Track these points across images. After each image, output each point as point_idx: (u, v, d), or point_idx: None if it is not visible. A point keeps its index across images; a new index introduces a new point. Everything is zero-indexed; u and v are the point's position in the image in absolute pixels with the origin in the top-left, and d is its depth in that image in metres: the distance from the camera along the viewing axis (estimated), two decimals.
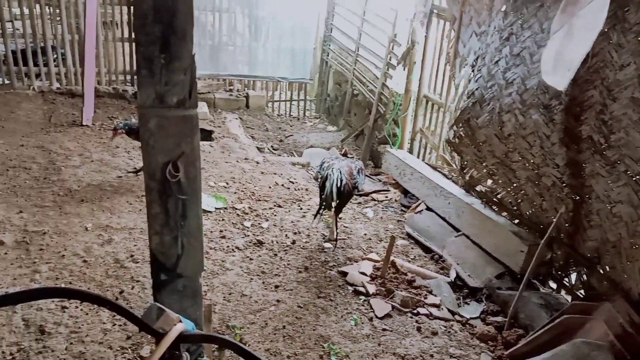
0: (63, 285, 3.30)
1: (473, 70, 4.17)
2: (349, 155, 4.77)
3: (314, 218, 4.32)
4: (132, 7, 6.64)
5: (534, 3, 3.48)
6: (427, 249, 4.43)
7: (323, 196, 4.01)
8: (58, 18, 6.53)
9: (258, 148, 6.25)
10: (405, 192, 5.31)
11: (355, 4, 6.66)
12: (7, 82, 6.52)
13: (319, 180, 4.20)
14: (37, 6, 6.36)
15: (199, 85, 6.77)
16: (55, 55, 6.53)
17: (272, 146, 6.62)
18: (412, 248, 4.44)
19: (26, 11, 6.39)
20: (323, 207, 4.06)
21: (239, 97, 7.46)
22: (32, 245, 3.75)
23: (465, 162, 4.46)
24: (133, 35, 6.82)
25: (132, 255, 3.76)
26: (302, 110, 8.07)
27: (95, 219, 4.17)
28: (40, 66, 6.51)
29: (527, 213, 4.01)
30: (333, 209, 4.18)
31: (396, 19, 5.73)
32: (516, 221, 4.12)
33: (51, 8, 6.56)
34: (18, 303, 1.87)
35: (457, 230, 4.49)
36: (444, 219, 4.65)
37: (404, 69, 5.58)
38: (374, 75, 6.31)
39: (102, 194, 4.54)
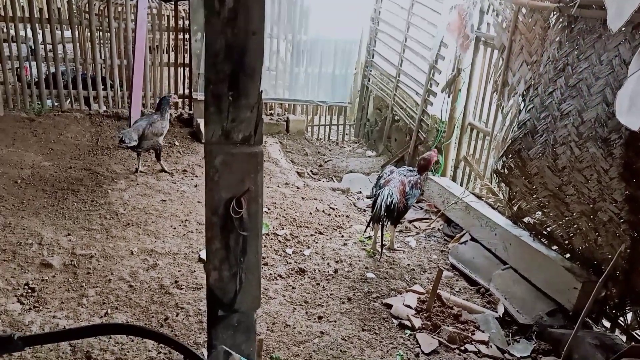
0: (124, 322, 3.31)
1: (524, 100, 4.09)
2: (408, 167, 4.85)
3: (365, 229, 4.71)
4: (178, 33, 6.84)
5: (591, 34, 3.40)
6: (472, 282, 4.31)
7: (372, 215, 4.35)
8: (107, 43, 6.72)
9: (298, 173, 6.25)
10: (448, 221, 5.21)
11: (397, 30, 6.66)
12: (56, 104, 6.71)
13: (373, 196, 4.55)
14: (88, 31, 6.56)
15: None
16: (104, 87, 6.70)
17: (311, 171, 6.62)
18: (457, 280, 4.33)
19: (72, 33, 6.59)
20: (372, 223, 4.44)
21: (279, 122, 7.51)
22: (80, 268, 3.80)
23: (514, 193, 4.35)
24: (177, 60, 6.98)
25: (176, 281, 3.76)
26: (342, 135, 8.07)
27: (141, 243, 4.20)
28: (89, 89, 6.68)
29: (580, 248, 3.86)
30: (387, 225, 4.52)
31: (439, 46, 5.69)
32: (567, 256, 3.98)
33: (101, 32, 6.76)
34: (80, 338, 1.87)
35: (504, 262, 4.36)
36: (489, 250, 4.53)
37: (448, 96, 5.53)
38: (414, 102, 6.27)
39: (147, 218, 4.58)
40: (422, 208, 5.64)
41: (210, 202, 1.87)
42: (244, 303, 2.01)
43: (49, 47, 6.52)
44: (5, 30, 6.82)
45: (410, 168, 4.86)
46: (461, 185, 5.56)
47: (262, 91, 1.82)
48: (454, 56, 5.35)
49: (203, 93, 6.46)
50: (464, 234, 4.88)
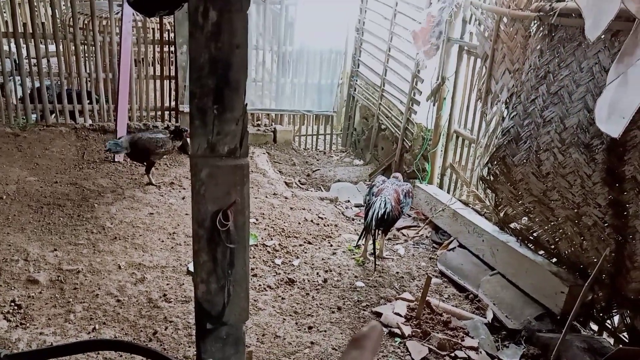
0: (112, 337, 3.28)
1: (507, 108, 4.15)
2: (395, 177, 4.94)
3: (359, 239, 4.65)
4: (163, 46, 6.84)
5: (571, 42, 3.46)
6: (461, 288, 4.34)
7: (365, 224, 4.41)
8: (92, 56, 6.70)
9: (286, 183, 6.26)
10: (436, 229, 5.24)
11: (381, 40, 6.72)
12: (41, 119, 6.67)
13: (365, 205, 4.56)
14: (73, 45, 6.54)
15: None
16: (89, 100, 6.67)
17: (299, 181, 6.63)
18: (446, 287, 4.35)
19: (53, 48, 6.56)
20: (364, 234, 4.48)
21: (267, 132, 7.53)
22: (67, 284, 3.76)
23: (500, 200, 4.39)
24: (163, 72, 6.97)
25: (164, 295, 3.74)
26: (329, 145, 8.09)
27: (129, 257, 4.18)
28: (74, 103, 6.65)
29: (566, 252, 3.91)
30: (379, 234, 4.56)
31: (418, 55, 5.75)
32: (554, 260, 4.02)
33: (86, 46, 6.74)
34: (68, 355, 1.86)
35: (492, 268, 4.39)
36: (477, 256, 4.57)
37: (433, 105, 5.58)
38: (399, 111, 6.32)
39: (134, 232, 4.56)
40: (410, 216, 5.67)
41: (197, 215, 1.87)
42: (233, 315, 2.01)
43: (34, 61, 6.48)
44: None
45: (397, 176, 4.93)
46: (448, 192, 5.61)
47: (246, 104, 1.84)
48: (439, 65, 5.41)
49: (189, 105, 6.46)
50: (452, 241, 4.92)
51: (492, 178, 4.35)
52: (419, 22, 5.35)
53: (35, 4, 6.55)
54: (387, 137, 6.81)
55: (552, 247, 4.02)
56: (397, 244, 5.03)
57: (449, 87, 5.43)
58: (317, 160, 7.64)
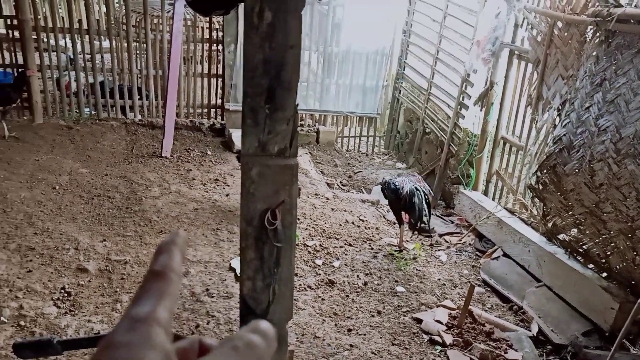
0: None
1: (559, 115, 4.03)
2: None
3: (412, 234, 4.82)
4: (212, 44, 6.96)
5: (629, 49, 3.33)
6: (505, 299, 4.23)
7: (417, 213, 4.50)
8: (143, 53, 6.88)
9: (328, 184, 6.27)
10: (480, 236, 5.14)
11: (429, 43, 6.64)
12: (94, 112, 6.90)
13: (403, 197, 4.54)
14: (125, 42, 6.74)
15: None
16: (139, 97, 6.85)
17: (341, 182, 6.62)
18: (489, 296, 4.26)
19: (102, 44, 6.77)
20: (420, 222, 4.55)
21: (310, 132, 7.55)
22: (114, 274, 3.87)
23: (549, 210, 4.27)
24: (210, 70, 7.09)
25: (207, 289, 3.80)
26: (371, 147, 8.06)
27: None
28: (125, 99, 6.84)
29: (617, 267, 3.77)
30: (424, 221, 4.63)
31: (472, 62, 5.65)
32: (604, 275, 3.88)
33: (138, 43, 6.92)
34: None
35: (538, 280, 4.27)
36: (523, 267, 4.45)
37: (481, 110, 5.47)
38: (446, 115, 6.23)
39: (179, 226, 4.65)
40: (452, 222, 5.58)
41: (246, 213, 1.89)
42: (277, 314, 2.01)
43: (87, 57, 6.71)
44: (45, 40, 7.05)
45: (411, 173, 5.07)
46: (493, 199, 5.49)
47: (298, 104, 1.84)
48: (488, 69, 5.30)
49: (235, 104, 6.56)
50: (496, 250, 4.81)
51: (541, 187, 4.24)
52: (471, 26, 5.26)
53: (90, 1, 6.77)
54: (432, 141, 6.72)
55: (603, 261, 3.87)
56: (439, 250, 4.96)
57: (498, 92, 5.31)
58: (359, 162, 7.62)
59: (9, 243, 4.05)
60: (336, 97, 7.66)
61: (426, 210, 4.55)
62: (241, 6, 1.74)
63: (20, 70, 6.08)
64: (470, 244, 5.10)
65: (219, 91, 7.27)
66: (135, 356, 0.37)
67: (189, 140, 6.77)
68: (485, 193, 5.61)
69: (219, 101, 7.28)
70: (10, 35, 6.38)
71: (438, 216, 5.75)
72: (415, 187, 4.56)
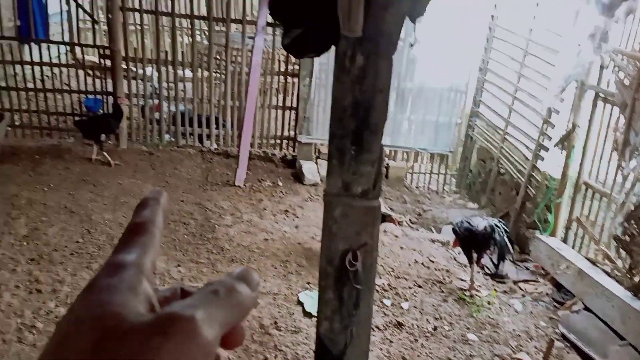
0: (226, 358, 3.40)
1: None
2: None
3: (497, 269, 4.80)
4: (287, 77, 7.15)
5: None
6: (585, 355, 3.96)
7: (499, 250, 4.51)
8: (222, 84, 7.16)
9: (397, 221, 6.18)
10: (558, 286, 4.87)
11: (506, 82, 6.51)
12: (173, 139, 7.21)
13: (480, 233, 4.47)
14: (206, 73, 7.05)
15: None
16: (216, 126, 7.11)
17: (410, 219, 6.52)
18: (568, 352, 4.00)
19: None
20: (503, 260, 4.57)
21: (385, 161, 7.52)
22: None
23: (636, 263, 4.00)
24: (284, 103, 7.27)
25: (275, 322, 3.81)
26: (442, 185, 7.91)
27: None
28: (203, 128, 7.12)
29: None
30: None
31: (550, 99, 5.47)
32: None
33: (218, 74, 7.22)
34: None
35: (622, 338, 3.98)
36: (605, 323, 4.16)
37: (561, 152, 5.26)
38: (523, 156, 6.03)
39: (250, 255, 4.72)
40: (527, 269, 5.33)
41: (327, 252, 1.89)
42: (353, 357, 1.98)
43: (171, 85, 7.06)
44: (134, 69, 7.49)
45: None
46: (573, 247, 5.21)
47: (383, 146, 1.84)
48: (570, 111, 5.12)
49: (307, 136, 6.63)
50: (575, 302, 4.54)
51: (627, 238, 3.98)
52: (553, 65, 5.12)
53: (176, 34, 7.15)
54: (507, 182, 6.52)
55: None
56: (513, 297, 4.74)
57: (581, 135, 5.10)
58: (429, 199, 7.49)
59: (92, 263, 4.25)
60: (408, 132, 7.62)
61: (510, 246, 4.50)
62: (333, 49, 1.77)
63: (115, 100, 6.46)
64: (547, 294, 4.84)
65: (292, 123, 7.41)
66: (117, 300, 0.36)
67: (261, 170, 6.91)
68: (565, 240, 5.34)
69: (291, 133, 7.42)
70: (102, 65, 6.83)
71: (512, 261, 5.52)
72: (495, 224, 4.49)
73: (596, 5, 4.47)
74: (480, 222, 4.55)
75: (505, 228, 4.57)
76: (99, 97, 7.01)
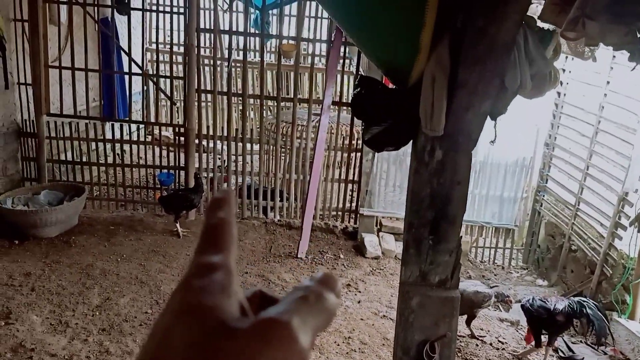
0: None
1: None
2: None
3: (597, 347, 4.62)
4: (350, 152, 7.32)
5: None
6: None
7: (600, 330, 4.27)
8: (287, 158, 7.40)
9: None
10: None
11: (577, 158, 6.38)
12: (238, 211, 7.43)
13: (561, 312, 4.29)
14: (273, 148, 7.32)
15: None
16: (280, 198, 7.30)
17: None
18: None
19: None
20: (604, 336, 4.35)
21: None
22: None
23: None
24: (347, 176, 7.39)
25: None
26: (508, 259, 7.66)
27: None
28: (267, 200, 7.32)
29: None
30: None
31: (627, 177, 5.31)
32: None
33: (284, 149, 7.48)
34: None
35: None
36: None
37: (638, 231, 5.04)
38: (597, 233, 5.80)
39: None
40: (605, 353, 5.00)
41: (403, 342, 1.88)
42: None
43: (239, 158, 7.37)
44: (206, 144, 7.87)
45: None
46: None
47: (461, 237, 1.85)
48: None
49: (368, 209, 6.66)
50: None
51: None
52: (631, 144, 5.02)
53: (246, 112, 7.54)
54: (579, 260, 6.25)
55: None
56: None
57: None
58: (495, 275, 7.25)
59: None
60: (471, 206, 7.51)
61: (607, 321, 4.29)
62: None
63: (196, 174, 6.79)
64: None
65: (354, 196, 7.50)
66: (213, 301, 0.36)
67: (322, 242, 6.96)
68: None
69: (353, 205, 7.49)
70: (176, 141, 7.24)
71: (587, 344, 5.20)
72: (580, 300, 4.37)
73: None
74: (558, 301, 4.38)
75: (595, 303, 4.42)
76: (171, 171, 7.39)
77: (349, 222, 7.54)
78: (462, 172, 1.74)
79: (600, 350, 5.08)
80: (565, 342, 4.95)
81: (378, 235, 7.07)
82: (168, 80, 8.32)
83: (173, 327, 0.36)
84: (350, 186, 7.48)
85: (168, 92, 7.97)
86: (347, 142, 7.38)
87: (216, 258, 0.40)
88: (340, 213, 7.58)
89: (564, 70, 6.79)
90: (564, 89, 6.87)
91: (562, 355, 4.89)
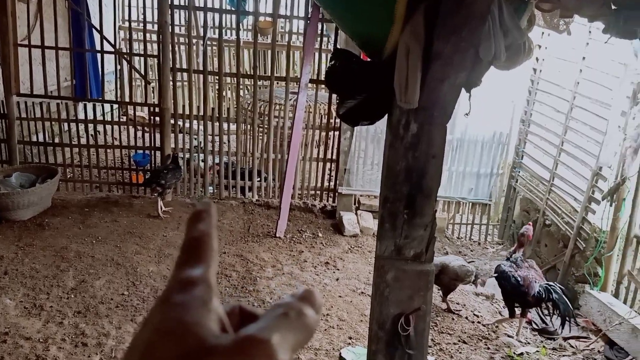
0: None
1: None
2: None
3: (562, 328, 4.66)
4: (329, 131, 7.28)
5: None
6: None
7: (564, 312, 4.49)
8: (264, 137, 7.34)
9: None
10: (611, 343, 4.66)
11: (552, 134, 6.46)
12: (216, 191, 7.36)
13: (533, 297, 4.52)
14: (250, 128, 7.25)
15: None
16: (258, 178, 7.25)
17: None
18: None
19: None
20: (568, 317, 4.54)
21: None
22: None
23: None
24: (325, 155, 7.37)
25: None
26: (484, 235, 7.77)
27: None
28: (245, 180, 7.27)
29: None
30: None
31: (600, 151, 5.39)
32: None
33: (261, 128, 7.41)
34: None
35: None
36: None
37: (610, 205, 5.14)
38: (571, 208, 5.90)
39: None
40: (578, 324, 5.12)
41: (378, 316, 1.88)
42: None
43: (216, 138, 7.28)
44: (181, 124, 7.76)
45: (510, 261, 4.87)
46: (625, 302, 5.00)
47: (436, 210, 1.85)
48: (619, 163, 5.03)
49: (347, 188, 6.66)
50: None
51: None
52: (604, 119, 5.09)
53: (223, 91, 7.43)
54: (553, 234, 6.36)
55: None
56: (563, 355, 4.55)
57: (631, 188, 4.98)
58: (471, 251, 7.35)
59: (136, 316, 4.32)
60: (448, 183, 7.59)
61: (570, 306, 4.52)
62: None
63: (174, 154, 6.69)
64: (599, 352, 4.63)
65: (332, 175, 7.49)
66: (193, 317, 0.36)
67: (300, 222, 6.96)
68: (616, 295, 5.14)
69: (331, 184, 7.48)
70: (152, 121, 7.12)
71: (569, 321, 5.33)
72: (548, 284, 4.54)
73: None
74: (532, 281, 4.57)
75: (562, 287, 4.61)
76: (147, 152, 7.27)
77: (327, 201, 7.55)
78: (437, 146, 1.73)
79: (573, 321, 5.21)
80: (539, 314, 5.06)
81: (356, 214, 7.09)
82: (142, 59, 8.15)
83: (154, 344, 0.36)
84: (328, 165, 7.47)
85: (142, 71, 7.81)
86: (325, 120, 7.34)
87: (196, 272, 0.39)
88: (318, 192, 7.57)
89: (539, 47, 6.82)
90: (540, 65, 6.91)
91: (536, 326, 5.01)
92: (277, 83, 7.40)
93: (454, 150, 7.47)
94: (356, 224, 6.77)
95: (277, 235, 6.34)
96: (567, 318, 4.52)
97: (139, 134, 7.22)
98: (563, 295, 4.49)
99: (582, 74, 5.90)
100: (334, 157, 7.39)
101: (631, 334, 4.38)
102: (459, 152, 7.47)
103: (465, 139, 7.40)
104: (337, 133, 7.33)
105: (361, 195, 7.22)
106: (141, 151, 7.35)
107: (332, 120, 7.30)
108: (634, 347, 4.33)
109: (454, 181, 7.59)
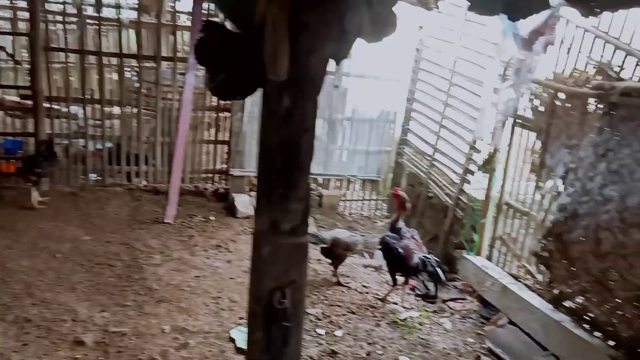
0: None
1: (563, 183, 4.07)
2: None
3: (436, 296, 5.18)
4: (219, 112, 7.11)
5: (632, 121, 3.41)
6: None
7: (438, 280, 4.95)
8: (152, 120, 7.02)
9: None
10: (485, 303, 5.06)
11: (433, 111, 6.80)
12: (99, 178, 6.95)
13: (413, 267, 4.88)
14: (135, 110, 6.89)
15: None
16: (145, 163, 6.95)
17: None
18: None
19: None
20: (440, 284, 5.09)
21: (313, 196, 7.59)
22: (111, 347, 3.78)
23: (554, 277, 4.23)
24: (217, 137, 7.22)
25: None
26: (373, 210, 8.08)
27: (172, 321, 4.18)
28: (131, 165, 6.93)
29: (625, 335, 3.68)
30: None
31: (476, 126, 5.77)
32: (612, 343, 3.78)
33: (147, 111, 7.07)
34: None
35: (545, 348, 4.18)
36: (529, 335, 4.36)
37: (484, 175, 5.53)
38: (450, 180, 6.28)
39: (180, 295, 4.59)
40: (456, 287, 5.51)
41: (255, 291, 1.88)
42: None
43: (98, 122, 6.86)
44: (57, 108, 7.20)
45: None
46: (497, 265, 5.44)
47: (310, 184, 1.87)
48: (491, 135, 5.43)
49: (239, 169, 6.60)
50: (501, 317, 4.73)
51: (546, 254, 4.22)
52: (478, 95, 5.46)
53: (103, 72, 6.97)
54: (435, 206, 6.74)
55: (610, 329, 3.80)
56: (443, 317, 4.87)
57: (502, 159, 5.38)
58: (362, 225, 7.61)
59: (7, 314, 3.99)
60: (339, 161, 7.77)
61: (442, 276, 4.89)
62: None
63: (50, 140, 6.21)
64: (474, 311, 5.01)
65: (224, 157, 7.37)
66: None
67: (192, 206, 6.79)
68: (489, 258, 5.57)
69: (223, 167, 7.36)
70: (24, 105, 6.54)
71: (443, 286, 5.69)
72: (425, 257, 4.88)
73: (515, 40, 4.77)
74: (412, 252, 4.88)
75: (436, 259, 4.96)
76: (18, 138, 6.68)
77: (220, 184, 7.42)
78: (309, 119, 1.74)
79: (451, 285, 5.58)
80: (423, 281, 5.37)
81: (249, 195, 7.05)
82: (10, 38, 7.44)
83: None
84: (220, 147, 7.33)
85: (11, 51, 7.13)
86: (216, 102, 7.16)
87: None
88: (210, 175, 7.42)
89: (421, 27, 7.12)
90: (422, 46, 7.22)
91: (419, 292, 5.32)
92: (168, 65, 7.11)
93: (344, 129, 7.65)
94: (249, 205, 6.72)
95: (166, 220, 6.14)
96: (440, 285, 5.13)
97: (10, 120, 6.62)
98: (437, 267, 4.86)
99: (459, 54, 6.24)
100: (226, 138, 7.27)
101: (502, 293, 4.78)
102: (350, 131, 7.65)
103: (354, 117, 7.60)
104: (228, 114, 7.20)
105: (254, 177, 7.18)
106: (11, 138, 6.73)
107: (222, 101, 7.15)
108: (504, 304, 4.73)
109: (345, 160, 7.78)
